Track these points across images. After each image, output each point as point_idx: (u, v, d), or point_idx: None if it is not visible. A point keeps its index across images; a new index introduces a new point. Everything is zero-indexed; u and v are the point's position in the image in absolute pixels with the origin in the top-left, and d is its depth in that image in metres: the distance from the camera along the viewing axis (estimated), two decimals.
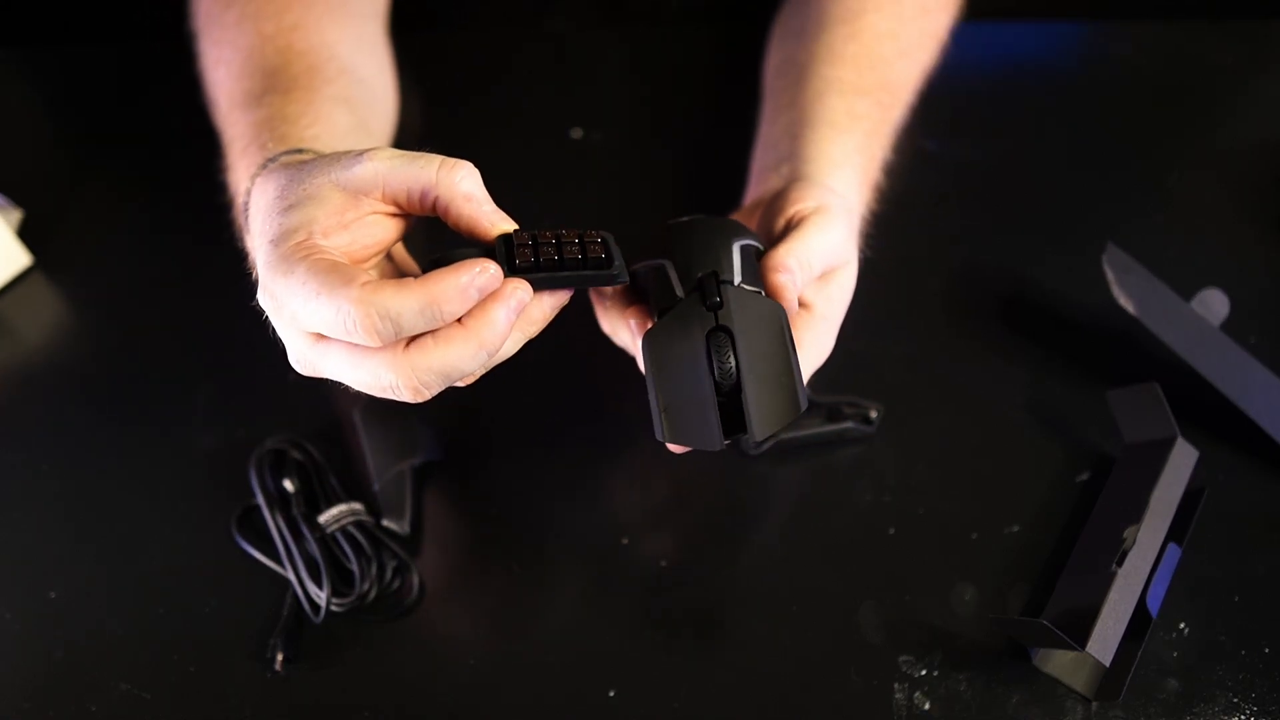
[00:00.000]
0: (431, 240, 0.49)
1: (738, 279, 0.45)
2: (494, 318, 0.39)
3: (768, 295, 0.45)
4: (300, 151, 0.47)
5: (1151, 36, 0.86)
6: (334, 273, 0.37)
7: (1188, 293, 0.60)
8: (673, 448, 0.45)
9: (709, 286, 0.44)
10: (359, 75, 0.61)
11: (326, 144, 0.50)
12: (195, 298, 0.69)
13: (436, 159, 0.41)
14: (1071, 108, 0.81)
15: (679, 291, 0.45)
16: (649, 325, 0.47)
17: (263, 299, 0.41)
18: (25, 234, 0.72)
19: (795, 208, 0.50)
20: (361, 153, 0.41)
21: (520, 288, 0.40)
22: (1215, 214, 0.74)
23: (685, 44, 0.86)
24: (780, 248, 0.47)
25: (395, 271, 0.45)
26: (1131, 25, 0.87)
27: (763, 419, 0.42)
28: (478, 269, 0.38)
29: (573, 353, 0.63)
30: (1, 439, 0.62)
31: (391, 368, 0.39)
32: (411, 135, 0.76)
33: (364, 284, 0.37)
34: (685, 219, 0.50)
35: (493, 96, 0.83)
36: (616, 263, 0.42)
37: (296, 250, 0.39)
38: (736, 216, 0.56)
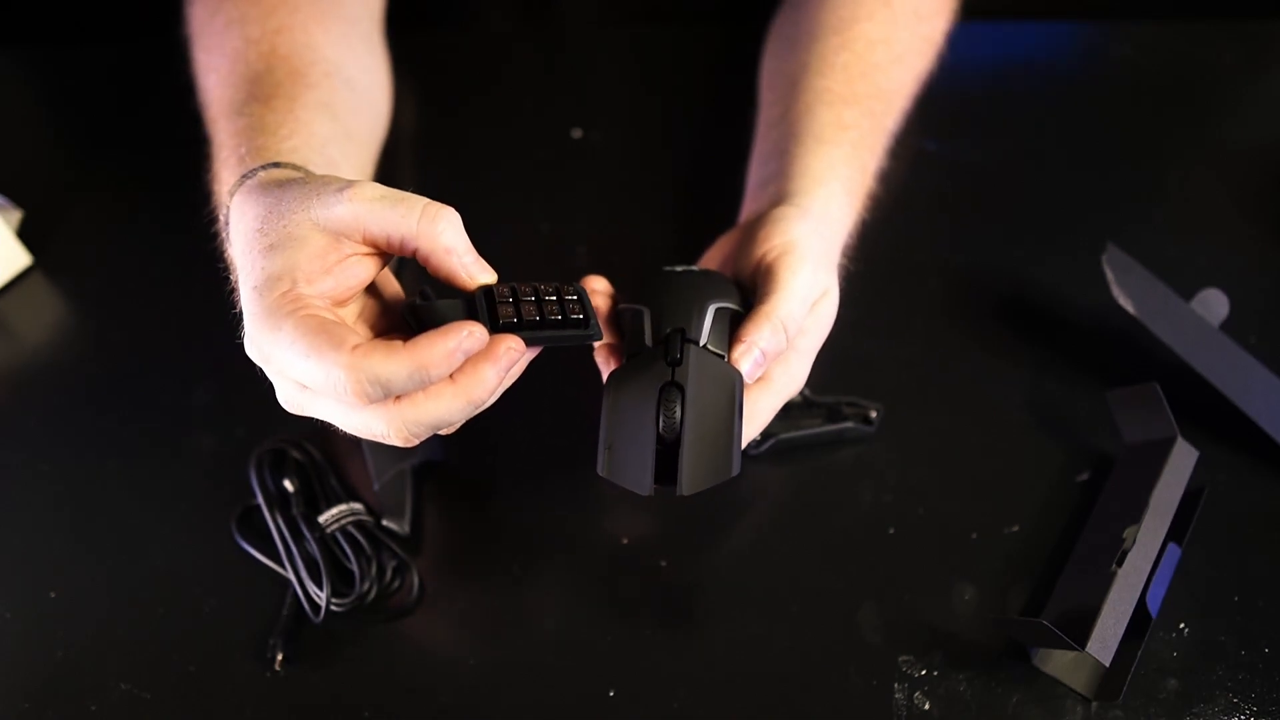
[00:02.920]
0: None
1: (704, 340, 0.47)
2: (484, 376, 0.40)
3: (730, 360, 0.47)
4: (278, 166, 0.47)
5: (1151, 36, 0.87)
6: (322, 334, 0.38)
7: (1188, 293, 0.60)
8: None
9: (673, 343, 0.47)
10: (346, 77, 0.60)
11: (304, 156, 0.50)
12: (195, 298, 0.69)
13: (419, 206, 0.40)
14: (1071, 108, 0.81)
15: (648, 340, 0.48)
16: (615, 363, 0.49)
17: (251, 351, 0.41)
18: (25, 234, 0.72)
19: (763, 247, 0.51)
20: (343, 189, 0.40)
21: (511, 347, 0.40)
22: (1215, 214, 0.74)
23: (685, 44, 0.86)
24: (758, 314, 0.48)
25: (377, 301, 0.45)
26: (1131, 25, 0.87)
27: (693, 477, 0.45)
28: (465, 333, 0.38)
29: (572, 353, 0.63)
30: (1, 439, 0.62)
31: (382, 419, 0.40)
32: (411, 136, 0.76)
33: (354, 349, 0.37)
34: (680, 269, 0.52)
35: (493, 96, 0.83)
36: (592, 322, 0.44)
37: (281, 303, 0.39)
38: (727, 239, 0.57)
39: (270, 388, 0.43)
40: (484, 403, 0.41)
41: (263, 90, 0.55)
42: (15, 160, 0.80)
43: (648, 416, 0.45)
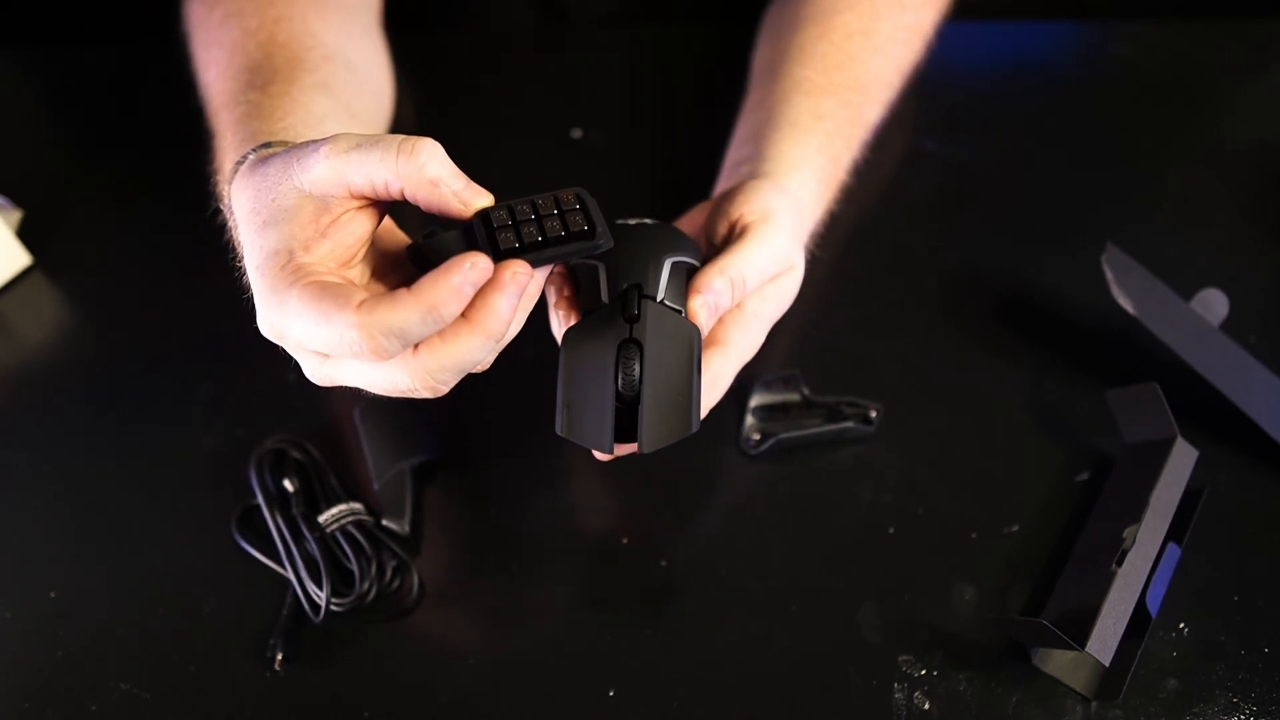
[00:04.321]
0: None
1: (661, 295, 0.46)
2: (497, 307, 0.38)
3: (687, 314, 0.46)
4: (269, 145, 0.46)
5: (1151, 36, 0.86)
6: (326, 297, 0.37)
7: (1188, 293, 0.60)
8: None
9: (630, 299, 0.46)
10: (345, 60, 0.60)
11: (299, 133, 0.49)
12: (195, 298, 0.69)
13: (394, 144, 0.38)
14: (1071, 108, 0.81)
15: (604, 296, 0.46)
16: (572, 318, 0.48)
17: (264, 330, 0.40)
18: (25, 234, 0.72)
19: (740, 211, 0.51)
20: (318, 146, 0.39)
21: (518, 272, 0.38)
22: (1215, 214, 0.74)
23: (684, 44, 0.86)
24: (712, 266, 0.47)
25: (386, 255, 0.44)
26: (1131, 25, 0.87)
27: (653, 435, 0.44)
28: (468, 265, 0.37)
29: None
30: (1, 439, 0.62)
31: (406, 371, 0.39)
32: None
33: (359, 305, 0.36)
34: (633, 222, 0.51)
35: (493, 96, 0.83)
36: (598, 229, 0.41)
37: (282, 276, 0.38)
38: (699, 210, 0.57)
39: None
40: (503, 334, 0.39)
41: (260, 78, 0.55)
42: (15, 160, 0.80)
43: (606, 375, 0.44)
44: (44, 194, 0.75)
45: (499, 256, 0.39)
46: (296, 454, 0.58)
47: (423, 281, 0.37)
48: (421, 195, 0.39)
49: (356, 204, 0.40)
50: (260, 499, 0.56)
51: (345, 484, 0.58)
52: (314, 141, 0.40)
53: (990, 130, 0.80)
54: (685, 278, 0.48)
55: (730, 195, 0.53)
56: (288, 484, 0.57)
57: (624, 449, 0.46)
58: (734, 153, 0.61)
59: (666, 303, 0.46)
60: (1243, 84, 0.84)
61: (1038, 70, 0.85)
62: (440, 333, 0.38)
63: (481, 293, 0.38)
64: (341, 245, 0.40)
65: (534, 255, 0.40)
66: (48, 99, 0.86)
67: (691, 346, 0.45)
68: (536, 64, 0.86)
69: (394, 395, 0.41)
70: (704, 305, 0.46)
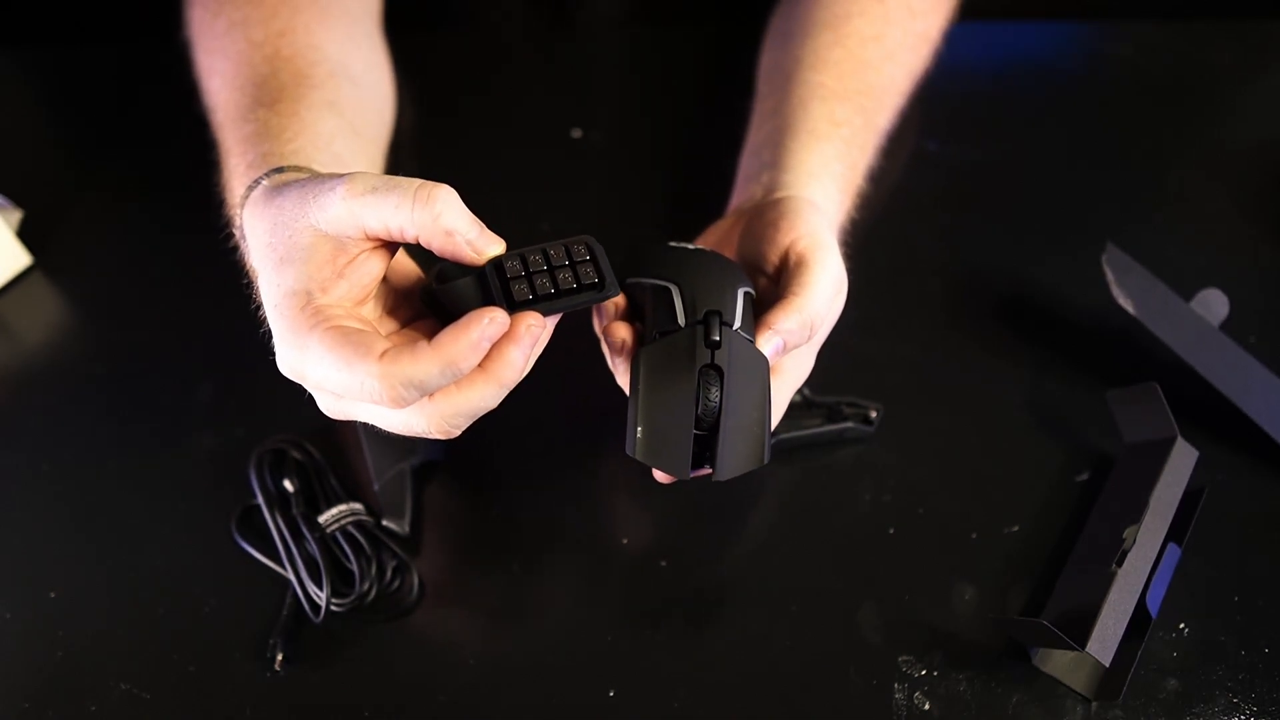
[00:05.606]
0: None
1: (737, 324, 0.46)
2: (511, 359, 0.39)
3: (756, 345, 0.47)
4: (281, 170, 0.46)
5: (1151, 36, 0.87)
6: (348, 345, 0.38)
7: (1188, 293, 0.60)
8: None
9: (713, 324, 0.45)
10: (349, 75, 0.60)
11: (309, 155, 0.50)
12: (195, 298, 0.69)
13: (410, 190, 0.38)
14: (1071, 108, 0.81)
15: (681, 320, 0.46)
16: (633, 338, 0.48)
17: (283, 368, 0.41)
18: (25, 234, 0.72)
19: (789, 238, 0.50)
20: (335, 187, 0.39)
21: (532, 325, 0.40)
22: (1215, 214, 0.74)
23: (684, 44, 0.86)
24: (788, 305, 0.47)
25: (394, 286, 0.45)
26: (1131, 25, 0.87)
27: (729, 463, 0.44)
28: (486, 320, 0.38)
29: (573, 353, 0.63)
30: (1, 439, 0.62)
31: (422, 416, 0.40)
32: (411, 136, 0.76)
33: (382, 355, 0.37)
34: (690, 247, 0.51)
35: (493, 97, 0.83)
36: (608, 280, 0.42)
37: (302, 319, 0.39)
38: (720, 228, 0.56)
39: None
40: (515, 383, 0.41)
41: (268, 94, 0.55)
42: (15, 160, 0.80)
43: (687, 399, 0.44)
44: (44, 194, 0.75)
45: (512, 307, 0.40)
46: (296, 454, 0.58)
47: (443, 336, 0.38)
48: (436, 243, 0.40)
49: (371, 245, 0.41)
50: (260, 499, 0.56)
51: (345, 484, 0.58)
52: (331, 178, 0.40)
53: (990, 130, 0.80)
54: (752, 309, 0.48)
55: (769, 218, 0.51)
56: (288, 484, 0.57)
57: (695, 474, 0.45)
58: (749, 161, 0.60)
59: (741, 332, 0.46)
60: (1243, 84, 0.84)
61: (1038, 70, 0.85)
62: (456, 382, 0.39)
63: (497, 345, 0.39)
64: (358, 285, 0.41)
65: (546, 306, 0.41)
66: (48, 99, 0.86)
67: (765, 377, 0.46)
68: (536, 64, 0.86)
69: (406, 434, 0.42)
70: (770, 341, 0.46)
